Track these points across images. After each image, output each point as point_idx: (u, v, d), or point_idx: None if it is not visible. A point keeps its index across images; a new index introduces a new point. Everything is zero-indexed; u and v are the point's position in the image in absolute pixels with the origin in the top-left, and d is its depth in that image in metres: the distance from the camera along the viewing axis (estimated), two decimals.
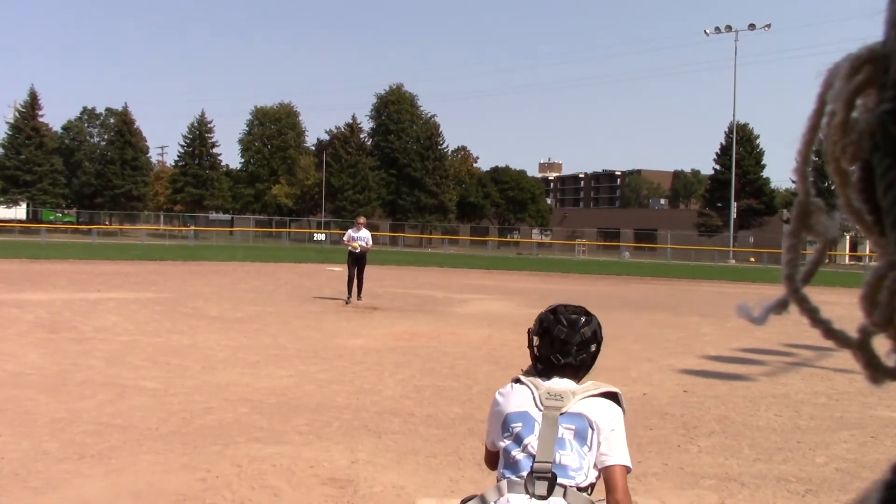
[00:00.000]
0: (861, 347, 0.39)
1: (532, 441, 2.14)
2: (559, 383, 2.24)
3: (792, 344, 10.39)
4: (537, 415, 2.18)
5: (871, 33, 0.38)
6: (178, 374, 7.47)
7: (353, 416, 6.05)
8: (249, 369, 7.87)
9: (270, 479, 4.50)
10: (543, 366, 2.29)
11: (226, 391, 6.80)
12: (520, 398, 2.24)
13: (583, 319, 2.28)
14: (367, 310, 13.81)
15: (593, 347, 2.30)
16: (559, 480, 2.08)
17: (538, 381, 2.25)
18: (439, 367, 8.30)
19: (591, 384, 2.27)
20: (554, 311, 2.31)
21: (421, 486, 4.51)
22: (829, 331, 0.40)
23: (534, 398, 2.21)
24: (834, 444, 5.69)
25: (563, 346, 2.25)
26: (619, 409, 2.25)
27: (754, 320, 0.44)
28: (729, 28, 52.27)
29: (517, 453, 2.15)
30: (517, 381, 2.31)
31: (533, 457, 2.11)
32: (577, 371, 2.29)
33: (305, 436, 5.46)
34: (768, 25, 52.86)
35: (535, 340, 2.32)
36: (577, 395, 2.21)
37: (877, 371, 0.39)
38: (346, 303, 14.64)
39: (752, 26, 52.27)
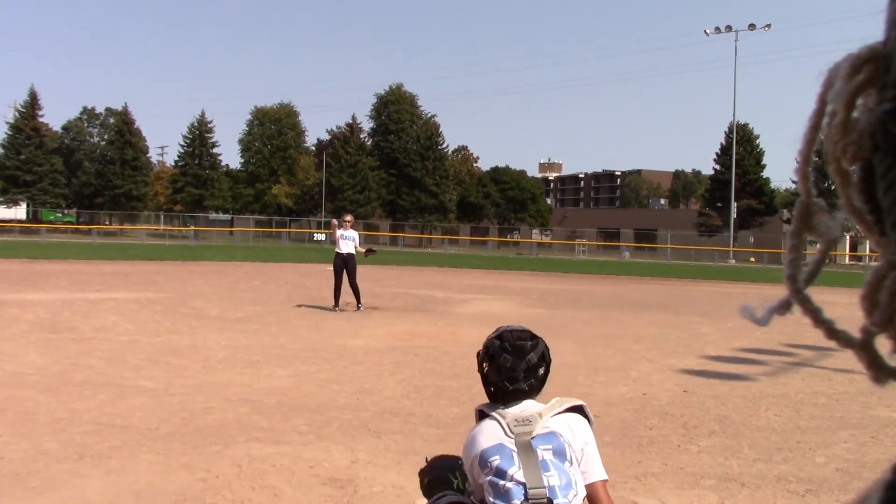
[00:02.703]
0: (864, 348, 0.39)
1: (514, 471, 2.13)
2: (523, 407, 2.25)
3: (792, 344, 10.38)
4: (511, 444, 2.18)
5: (872, 33, 0.38)
6: (178, 374, 7.47)
7: (353, 416, 6.05)
8: (249, 369, 7.87)
9: (270, 479, 4.50)
10: (496, 391, 2.31)
11: (226, 391, 6.80)
12: (489, 433, 2.23)
13: (528, 344, 2.28)
14: (367, 310, 13.80)
15: (541, 371, 2.31)
16: (555, 502, 2.09)
17: (502, 410, 2.26)
18: (439, 367, 8.31)
19: (555, 401, 2.28)
20: (500, 336, 2.31)
21: None
22: (831, 331, 0.40)
23: (503, 428, 2.20)
24: (834, 444, 5.69)
25: (511, 372, 2.25)
26: (586, 421, 2.26)
27: (758, 321, 0.44)
28: (729, 28, 52.26)
29: (505, 484, 2.13)
30: (482, 415, 2.31)
31: (522, 484, 2.11)
32: (529, 394, 2.29)
33: (305, 436, 5.46)
34: (768, 25, 52.86)
35: (485, 367, 2.33)
36: (545, 415, 2.22)
37: (880, 371, 0.39)
38: (333, 309, 13.45)
39: (752, 26, 52.26)
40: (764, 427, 6.17)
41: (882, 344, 0.39)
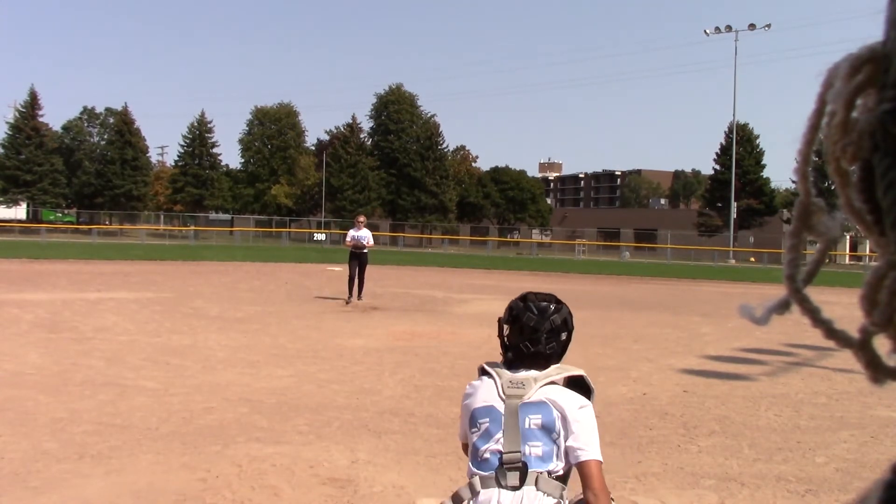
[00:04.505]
0: (862, 347, 0.39)
1: (499, 436, 2.13)
2: (523, 372, 2.22)
3: (792, 344, 10.38)
4: (501, 407, 2.16)
5: (871, 33, 0.38)
6: (178, 374, 7.47)
7: (353, 416, 6.05)
8: (249, 369, 7.87)
9: (270, 479, 4.50)
10: (513, 354, 2.26)
11: (226, 391, 6.80)
12: (485, 392, 2.22)
13: (552, 307, 2.25)
14: (367, 310, 13.81)
15: (563, 336, 2.26)
16: (530, 469, 2.07)
17: (502, 370, 2.23)
18: (439, 367, 8.30)
19: (554, 368, 2.23)
20: (524, 298, 2.28)
21: (421, 486, 4.51)
22: (830, 331, 0.40)
23: (497, 388, 2.19)
24: (834, 444, 5.69)
25: (533, 333, 2.21)
26: (586, 397, 2.22)
27: (756, 321, 0.44)
28: (729, 28, 52.28)
29: (487, 449, 2.13)
30: (483, 371, 2.29)
31: (500, 452, 2.11)
32: (549, 360, 2.25)
33: (305, 436, 5.46)
34: (768, 25, 52.87)
35: (506, 329, 2.29)
36: (539, 381, 2.18)
37: (878, 371, 0.39)
38: (347, 303, 14.62)
39: (752, 26, 52.28)
40: (764, 427, 6.17)
41: (881, 344, 0.39)
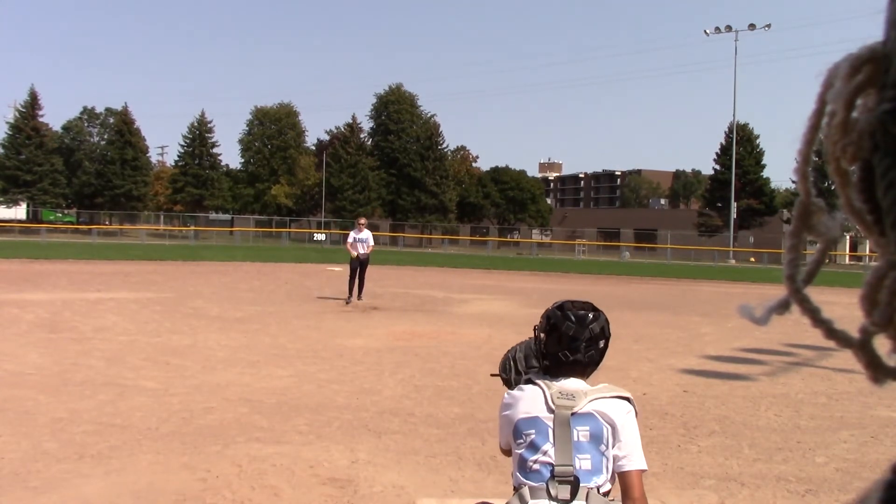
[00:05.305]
0: (862, 347, 0.39)
1: (549, 448, 2.13)
2: (571, 383, 2.23)
3: (792, 344, 10.38)
4: (548, 418, 2.16)
5: (871, 33, 0.38)
6: (178, 374, 7.47)
7: (353, 416, 6.06)
8: (249, 369, 7.87)
9: (270, 479, 4.50)
10: (551, 363, 2.27)
11: (226, 391, 6.80)
12: (529, 402, 2.21)
13: (591, 315, 2.25)
14: (367, 310, 13.81)
15: (602, 343, 2.28)
16: (581, 483, 2.08)
17: (549, 381, 2.23)
18: (439, 367, 8.30)
19: (604, 386, 2.25)
20: (561, 307, 2.28)
21: (421, 486, 4.51)
22: (830, 331, 0.40)
23: (545, 398, 2.19)
24: (834, 444, 5.69)
25: (572, 342, 2.22)
26: (633, 408, 2.24)
27: (756, 321, 0.44)
28: (729, 28, 52.28)
29: (536, 461, 2.14)
30: (528, 381, 2.29)
31: (551, 465, 2.11)
32: (586, 368, 2.27)
33: (305, 436, 5.47)
34: (768, 25, 52.87)
35: (542, 337, 2.29)
36: (590, 395, 2.19)
37: (878, 371, 0.39)
38: (347, 303, 14.63)
39: (752, 26, 52.29)
40: (764, 427, 6.17)
41: (881, 344, 0.39)
